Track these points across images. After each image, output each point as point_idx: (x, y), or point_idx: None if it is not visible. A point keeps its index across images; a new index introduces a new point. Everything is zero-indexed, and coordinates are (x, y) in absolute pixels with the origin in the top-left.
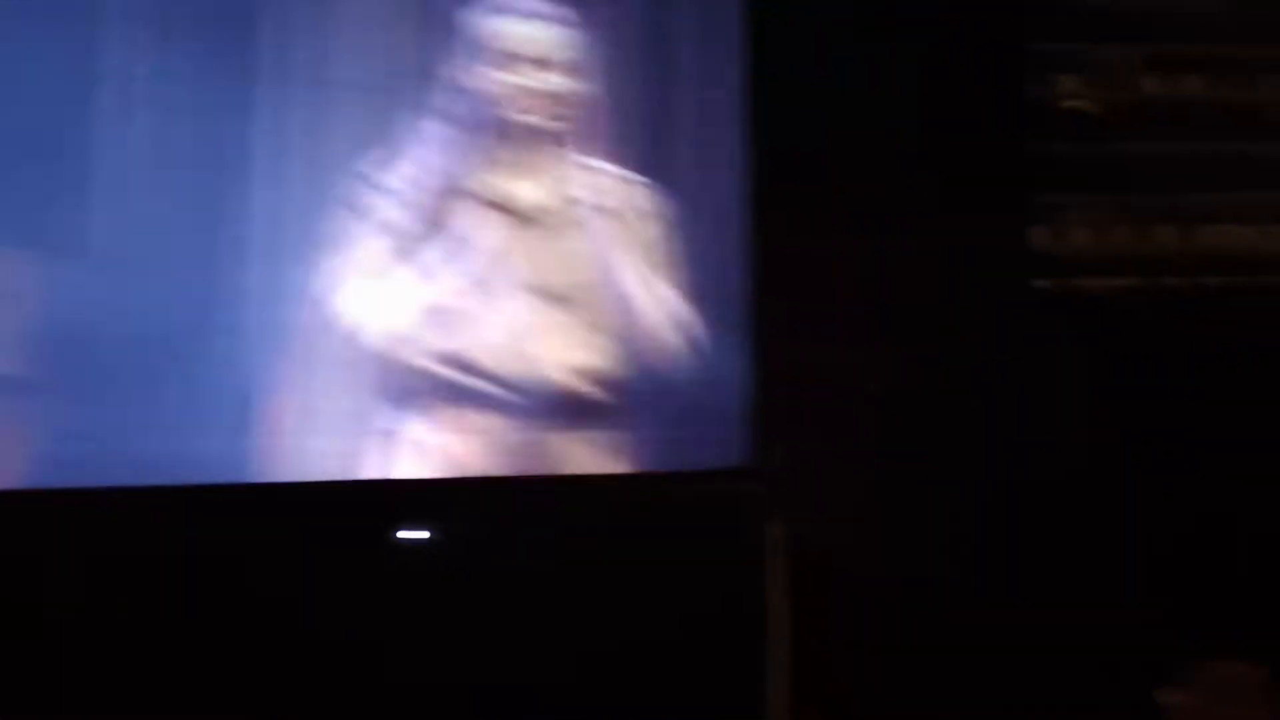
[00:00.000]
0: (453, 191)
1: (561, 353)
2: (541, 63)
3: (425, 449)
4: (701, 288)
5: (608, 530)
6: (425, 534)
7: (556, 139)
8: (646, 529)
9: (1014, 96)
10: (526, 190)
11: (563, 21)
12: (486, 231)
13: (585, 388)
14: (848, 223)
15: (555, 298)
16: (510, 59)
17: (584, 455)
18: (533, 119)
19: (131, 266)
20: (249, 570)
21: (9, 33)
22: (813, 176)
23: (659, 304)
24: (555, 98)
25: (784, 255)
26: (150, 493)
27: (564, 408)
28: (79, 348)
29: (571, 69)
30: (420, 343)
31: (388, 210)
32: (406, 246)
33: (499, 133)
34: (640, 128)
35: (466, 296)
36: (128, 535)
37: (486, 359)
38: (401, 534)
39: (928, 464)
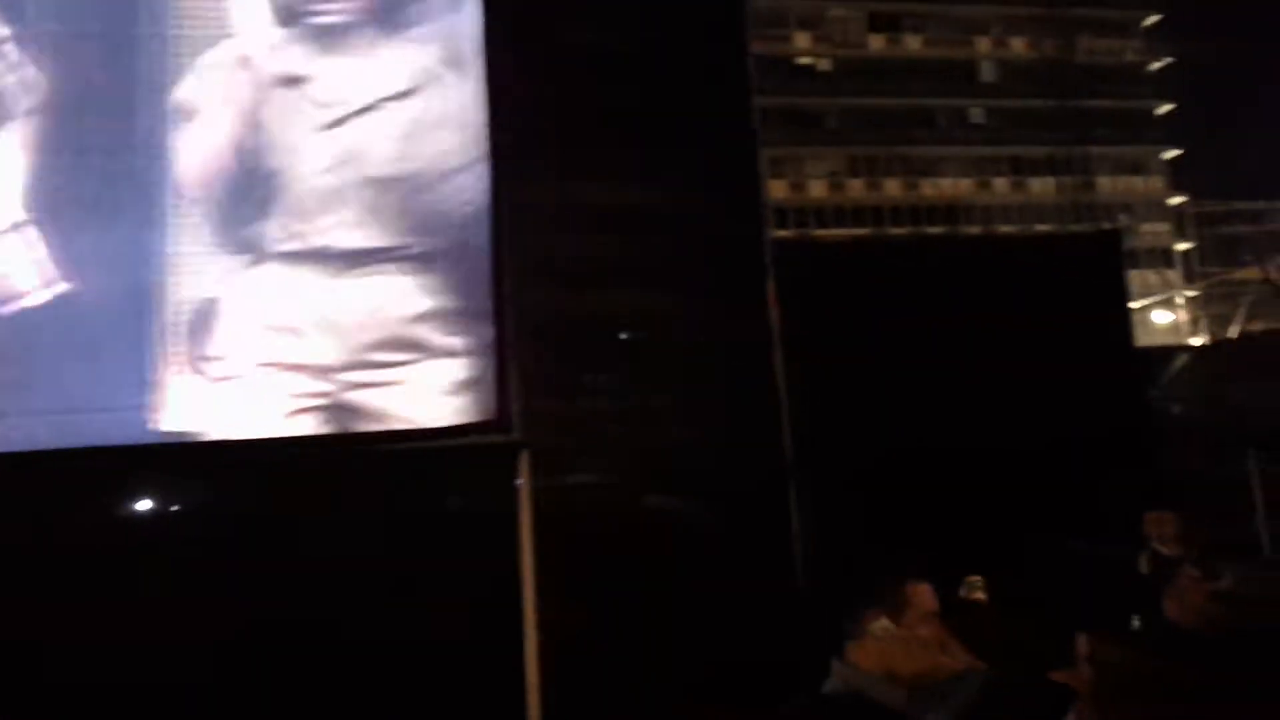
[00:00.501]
0: None
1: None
2: None
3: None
4: (443, 242)
5: (364, 485)
6: (149, 502)
7: None
8: (403, 482)
9: (747, 52)
10: None
11: None
12: None
13: None
14: (589, 174)
15: None
16: None
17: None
18: None
19: None
20: None
21: None
22: (549, 132)
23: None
24: None
25: (524, 208)
26: None
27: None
28: None
29: None
30: None
31: None
32: None
33: None
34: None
35: None
36: None
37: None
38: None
39: (671, 411)
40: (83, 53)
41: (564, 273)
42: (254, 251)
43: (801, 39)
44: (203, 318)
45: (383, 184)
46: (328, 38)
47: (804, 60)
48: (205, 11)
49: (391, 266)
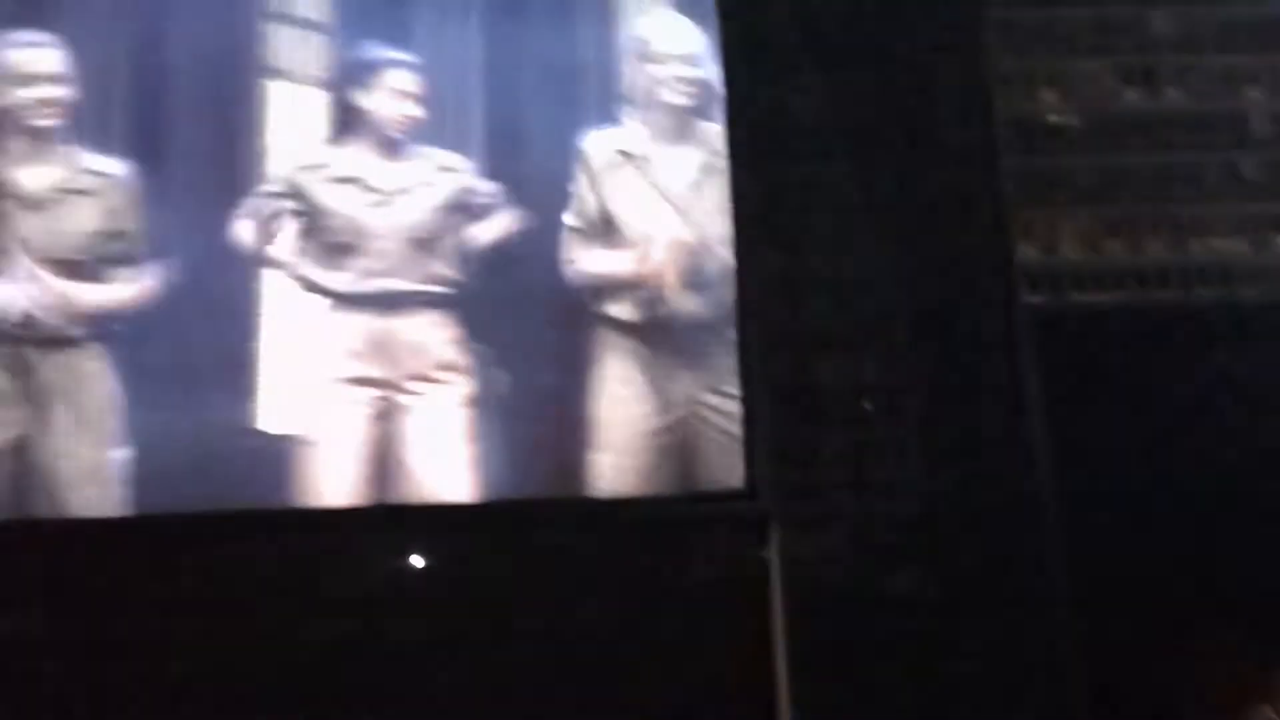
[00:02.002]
0: None
1: None
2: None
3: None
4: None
5: (611, 549)
6: (420, 560)
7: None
8: (651, 549)
9: (990, 113)
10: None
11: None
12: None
13: None
14: (830, 243)
15: None
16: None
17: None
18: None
19: None
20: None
21: None
22: (793, 200)
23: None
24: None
25: (769, 276)
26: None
27: None
28: None
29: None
30: None
31: None
32: None
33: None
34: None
35: None
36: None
37: None
38: (413, 559)
39: (923, 480)
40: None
41: (807, 341)
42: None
43: (1049, 96)
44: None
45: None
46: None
47: (1053, 119)
48: None
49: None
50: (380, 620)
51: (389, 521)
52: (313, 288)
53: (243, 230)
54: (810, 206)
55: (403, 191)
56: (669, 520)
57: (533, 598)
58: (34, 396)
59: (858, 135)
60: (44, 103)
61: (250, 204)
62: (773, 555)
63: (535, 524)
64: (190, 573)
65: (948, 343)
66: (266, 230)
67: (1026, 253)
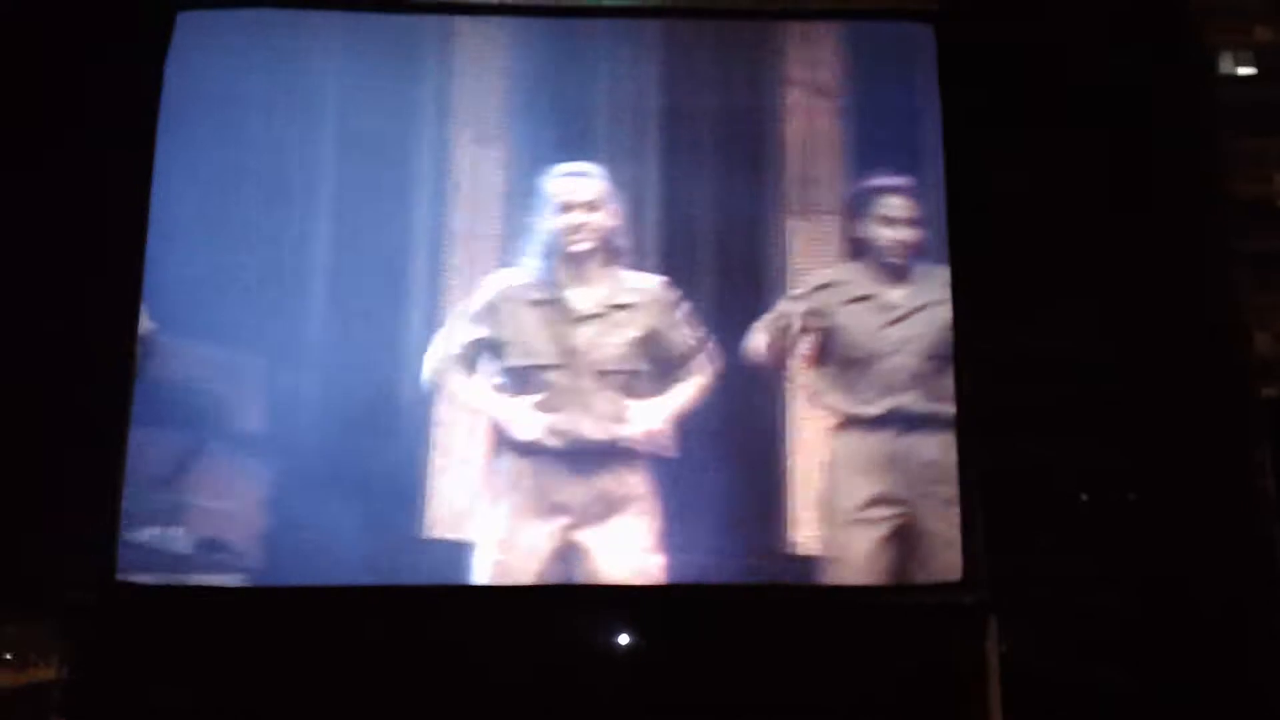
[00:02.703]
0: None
1: None
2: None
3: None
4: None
5: (829, 639)
6: (634, 639)
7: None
8: (866, 640)
9: (1225, 195)
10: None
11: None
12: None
13: None
14: (1054, 327)
15: None
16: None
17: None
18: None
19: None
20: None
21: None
22: (1019, 275)
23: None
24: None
25: (989, 365)
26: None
27: None
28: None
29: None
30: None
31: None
32: None
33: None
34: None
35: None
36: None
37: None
38: (622, 639)
39: (1147, 575)
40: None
41: (1027, 428)
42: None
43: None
44: None
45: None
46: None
47: None
48: None
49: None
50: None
51: (585, 602)
52: (829, 406)
53: (758, 343)
54: (1030, 290)
55: (917, 309)
56: (885, 609)
57: (735, 688)
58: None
59: (1081, 214)
60: (584, 228)
61: (768, 318)
62: (990, 647)
63: (742, 610)
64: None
65: (1175, 434)
66: (784, 345)
67: (1262, 342)
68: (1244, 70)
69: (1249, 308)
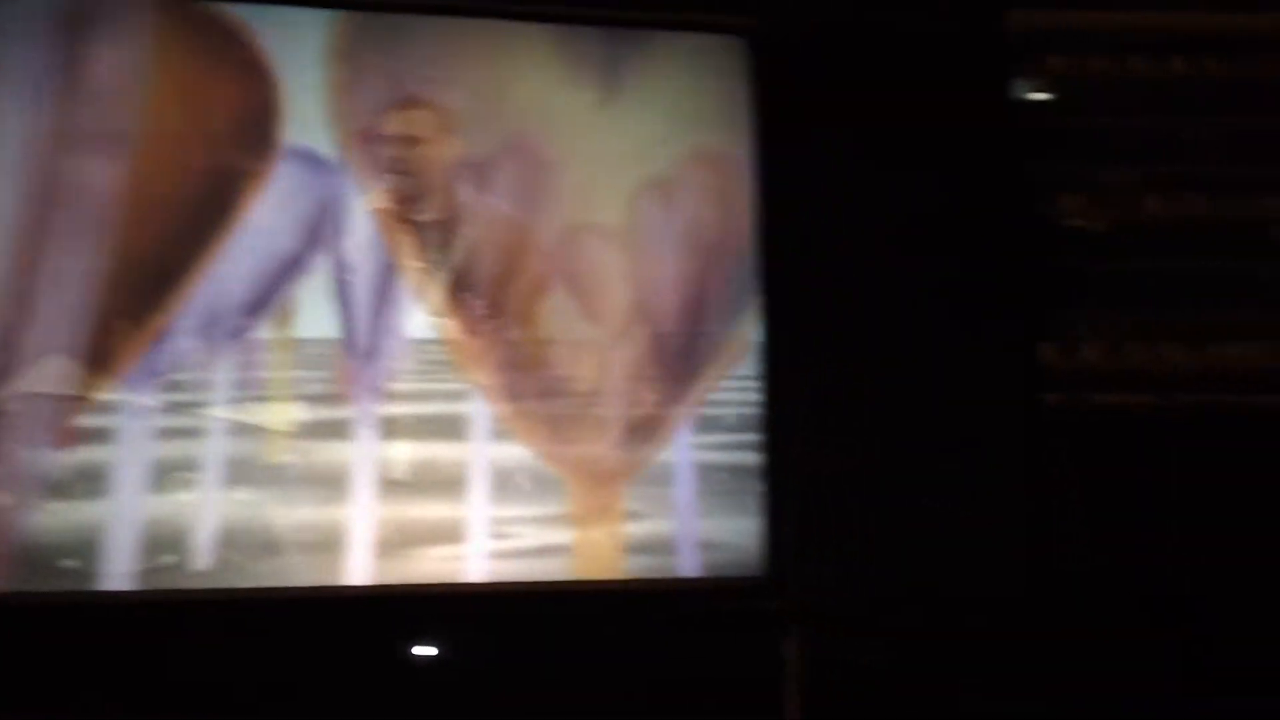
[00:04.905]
0: None
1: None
2: None
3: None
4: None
5: (619, 637)
6: (432, 650)
7: None
8: (661, 639)
9: (1021, 216)
10: None
11: None
12: None
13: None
14: (860, 336)
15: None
16: None
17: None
18: None
19: None
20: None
21: None
22: (824, 288)
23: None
24: None
25: (796, 367)
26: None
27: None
28: None
29: None
30: None
31: None
32: None
33: None
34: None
35: None
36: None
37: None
38: (414, 649)
39: (940, 575)
40: None
41: (833, 432)
42: None
43: (1073, 201)
44: None
45: None
46: None
47: (1078, 222)
48: None
49: None
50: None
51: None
52: None
53: None
54: (838, 297)
55: None
56: (684, 611)
57: (529, 690)
58: None
59: (884, 230)
60: None
61: None
62: (791, 653)
63: (530, 609)
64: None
65: (970, 439)
66: None
67: (1047, 353)
68: (1037, 96)
69: (1045, 322)
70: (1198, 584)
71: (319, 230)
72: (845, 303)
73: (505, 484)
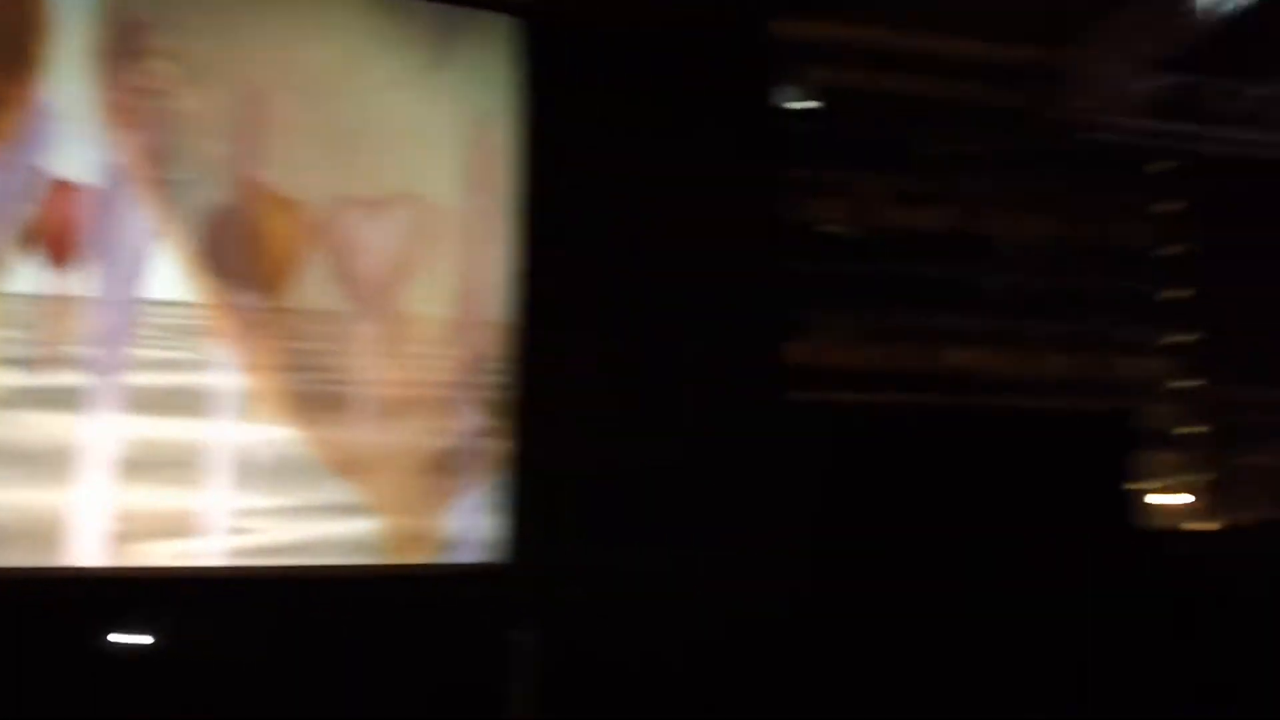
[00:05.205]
0: None
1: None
2: None
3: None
4: (463, 378)
5: (350, 624)
6: (147, 637)
7: None
8: (393, 625)
9: (777, 219)
10: None
11: None
12: None
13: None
14: (609, 328)
15: None
16: None
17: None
18: None
19: None
20: None
21: None
22: (581, 279)
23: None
24: None
25: (545, 354)
26: None
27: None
28: None
29: None
30: None
31: None
32: None
33: None
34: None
35: None
36: None
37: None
38: (120, 636)
39: (683, 566)
40: None
41: (583, 422)
42: None
43: (828, 207)
44: None
45: None
46: None
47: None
48: None
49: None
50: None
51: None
52: None
53: None
54: (592, 290)
55: None
56: (418, 593)
57: (261, 674)
58: None
59: (644, 226)
60: None
61: None
62: (527, 634)
63: (264, 594)
64: None
65: (719, 433)
66: None
67: (795, 351)
68: (801, 105)
69: (794, 321)
70: (933, 568)
71: (47, 183)
72: (601, 295)
73: (248, 465)
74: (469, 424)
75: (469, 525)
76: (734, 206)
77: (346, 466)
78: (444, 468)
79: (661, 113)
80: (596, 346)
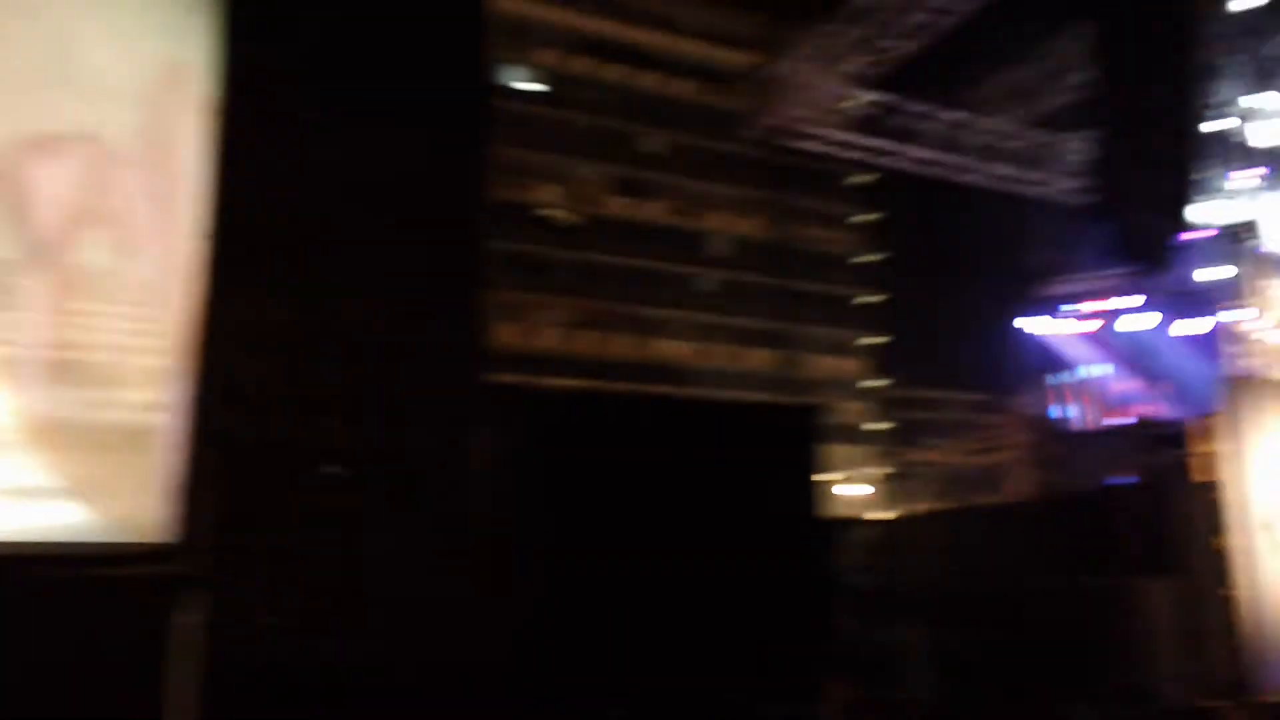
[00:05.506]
0: None
1: None
2: None
3: None
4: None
5: (8, 605)
6: None
7: None
8: (55, 607)
9: (492, 200)
10: None
11: None
12: None
13: None
14: (300, 300)
15: None
16: None
17: None
18: None
19: None
20: None
21: None
22: (266, 246)
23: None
24: None
25: (230, 325)
26: None
27: None
28: None
29: None
30: None
31: None
32: None
33: None
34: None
35: None
36: None
37: None
38: None
39: (381, 550)
40: None
41: (267, 398)
42: None
43: (546, 192)
44: None
45: None
46: None
47: (547, 212)
48: None
49: None
50: None
51: None
52: None
53: None
54: (285, 260)
55: None
56: (84, 575)
57: None
58: None
59: (337, 182)
60: None
61: None
62: (192, 621)
63: None
64: None
65: (415, 414)
66: None
67: (503, 334)
68: (525, 86)
69: (505, 304)
70: (627, 551)
71: None
72: (293, 264)
73: None
74: (143, 395)
75: (139, 504)
76: (441, 181)
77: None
78: (115, 442)
79: (368, 76)
80: (285, 319)
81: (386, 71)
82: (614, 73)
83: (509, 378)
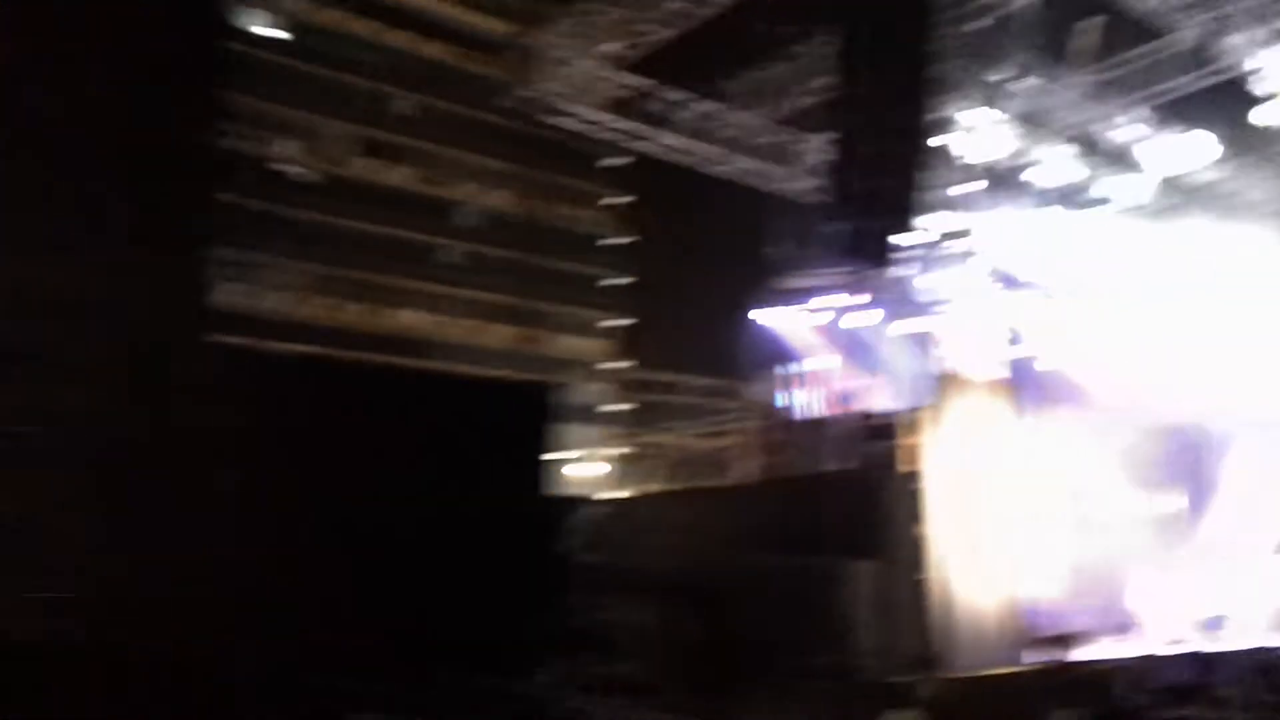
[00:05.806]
0: None
1: None
2: None
3: None
4: None
5: None
6: None
7: None
8: None
9: (223, 151)
10: None
11: None
12: None
13: None
14: (3, 250)
15: None
16: None
17: None
18: None
19: None
20: None
21: None
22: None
23: None
24: None
25: None
26: None
27: None
28: None
29: None
30: None
31: None
32: None
33: None
34: None
35: None
36: None
37: None
38: None
39: (69, 523)
40: None
41: None
42: None
43: (284, 146)
44: None
45: None
46: None
47: (285, 169)
48: None
49: None
50: None
51: None
52: None
53: None
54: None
55: None
56: None
57: None
58: None
59: (45, 128)
60: None
61: None
62: None
63: None
64: None
65: (136, 373)
66: None
67: (229, 294)
68: (265, 33)
69: (232, 262)
70: (350, 520)
71: None
72: (13, 211)
73: None
74: None
75: None
76: (161, 126)
77: None
78: None
79: (80, 7)
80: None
81: (113, 23)
82: (364, 27)
83: (231, 341)
